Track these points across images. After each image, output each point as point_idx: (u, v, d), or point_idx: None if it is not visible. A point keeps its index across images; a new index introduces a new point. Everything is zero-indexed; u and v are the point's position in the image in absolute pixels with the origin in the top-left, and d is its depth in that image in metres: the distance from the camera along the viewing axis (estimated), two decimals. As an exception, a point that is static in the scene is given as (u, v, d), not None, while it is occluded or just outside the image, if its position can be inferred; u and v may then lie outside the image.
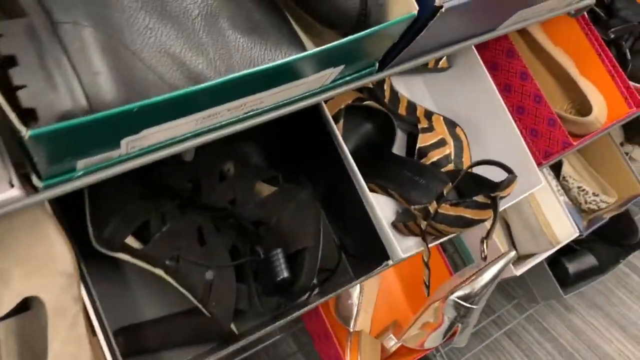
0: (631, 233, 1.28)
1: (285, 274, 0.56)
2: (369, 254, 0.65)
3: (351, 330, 0.87)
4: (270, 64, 0.36)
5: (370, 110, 0.70)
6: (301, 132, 0.66)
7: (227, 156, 0.62)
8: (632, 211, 1.28)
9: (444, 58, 0.76)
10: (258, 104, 0.41)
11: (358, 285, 0.89)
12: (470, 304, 0.81)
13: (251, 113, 0.42)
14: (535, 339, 1.37)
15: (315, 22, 0.43)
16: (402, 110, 0.72)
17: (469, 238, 1.05)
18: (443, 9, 0.40)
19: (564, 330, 1.39)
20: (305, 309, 0.57)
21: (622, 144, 1.17)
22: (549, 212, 0.94)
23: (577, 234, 0.98)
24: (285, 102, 0.43)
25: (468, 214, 0.57)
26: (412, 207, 0.61)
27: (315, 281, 0.62)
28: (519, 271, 0.95)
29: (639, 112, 0.84)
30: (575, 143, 0.76)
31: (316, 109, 0.61)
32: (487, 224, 0.60)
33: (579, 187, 1.08)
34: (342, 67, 0.42)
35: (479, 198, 0.55)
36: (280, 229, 0.59)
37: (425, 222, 0.59)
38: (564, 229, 0.96)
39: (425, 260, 0.60)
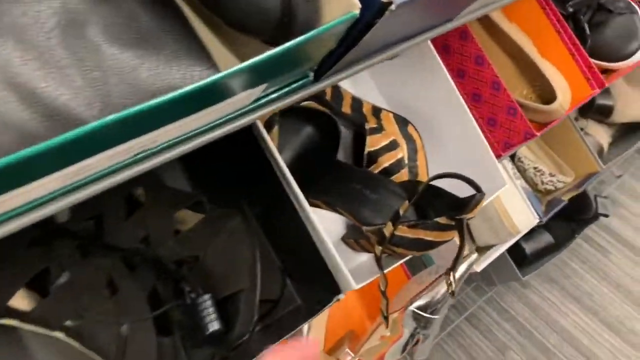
0: (586, 208, 1.26)
1: (215, 326, 0.46)
2: (317, 280, 0.56)
3: (303, 350, 0.78)
4: (164, 98, 0.25)
5: (309, 112, 0.59)
6: (230, 144, 0.55)
7: (135, 180, 0.51)
8: (586, 184, 1.25)
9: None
10: (150, 144, 0.30)
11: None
12: (430, 313, 0.75)
13: (143, 154, 0.31)
14: (495, 320, 1.36)
15: (225, 26, 0.32)
16: (346, 108, 0.62)
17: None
18: (393, 6, 0.29)
19: (521, 308, 1.38)
20: (246, 362, 0.48)
21: (576, 119, 1.12)
22: (508, 202, 0.87)
23: (537, 221, 0.93)
24: (188, 134, 0.32)
25: (429, 236, 0.48)
26: (364, 228, 0.52)
27: (255, 317, 0.52)
28: (480, 267, 0.89)
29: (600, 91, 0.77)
30: (537, 133, 0.68)
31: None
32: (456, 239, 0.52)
33: (535, 168, 1.03)
34: (264, 85, 0.32)
35: (442, 219, 0.46)
36: (208, 269, 0.48)
37: (380, 248, 0.50)
38: (524, 217, 0.90)
39: (382, 289, 0.52)
